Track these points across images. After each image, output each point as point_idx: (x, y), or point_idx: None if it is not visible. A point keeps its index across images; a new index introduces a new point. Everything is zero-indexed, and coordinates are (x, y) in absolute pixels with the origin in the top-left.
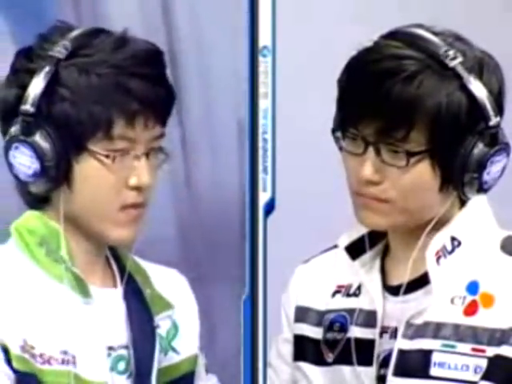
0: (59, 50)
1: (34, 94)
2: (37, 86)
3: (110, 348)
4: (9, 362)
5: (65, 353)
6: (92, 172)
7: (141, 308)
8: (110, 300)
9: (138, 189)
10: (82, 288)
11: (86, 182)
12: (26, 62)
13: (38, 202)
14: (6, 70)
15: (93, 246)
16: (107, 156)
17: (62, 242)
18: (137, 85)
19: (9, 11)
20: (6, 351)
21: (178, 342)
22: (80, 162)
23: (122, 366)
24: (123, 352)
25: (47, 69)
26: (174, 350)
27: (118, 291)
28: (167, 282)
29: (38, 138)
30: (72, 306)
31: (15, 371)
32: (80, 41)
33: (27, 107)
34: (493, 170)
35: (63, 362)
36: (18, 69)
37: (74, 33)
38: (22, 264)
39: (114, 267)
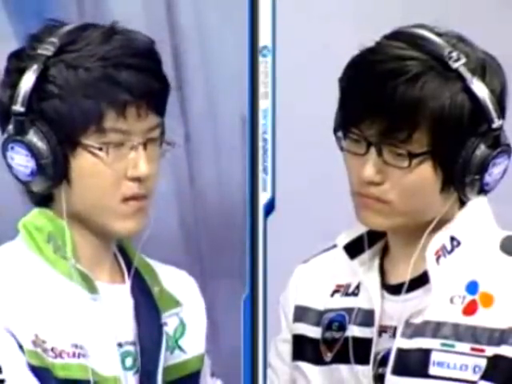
0: (47, 48)
1: (24, 93)
2: (26, 85)
3: (118, 344)
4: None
5: (76, 346)
6: (88, 166)
7: (148, 305)
8: (118, 296)
9: (137, 180)
10: (88, 284)
11: (84, 177)
12: (16, 63)
13: (42, 200)
14: None
15: (99, 242)
16: (100, 149)
17: (68, 238)
18: (125, 75)
19: (12, 12)
20: (20, 347)
21: (185, 341)
22: (76, 157)
23: (129, 361)
24: (130, 348)
25: (35, 67)
26: (180, 348)
27: (126, 287)
28: (176, 282)
29: (31, 137)
30: (80, 301)
31: (29, 366)
32: (68, 37)
33: (17, 107)
34: (494, 172)
35: (74, 355)
36: (9, 70)
37: (63, 29)
38: (31, 261)
39: (122, 263)
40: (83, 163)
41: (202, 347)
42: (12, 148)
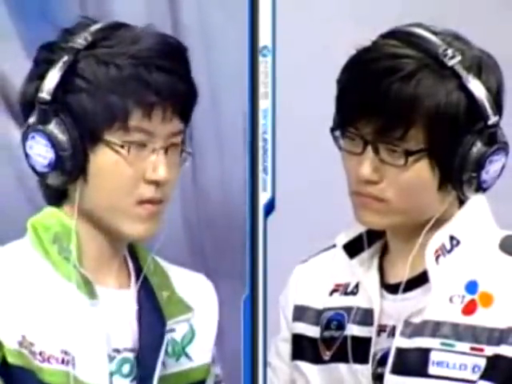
0: (79, 42)
1: (51, 83)
2: (54, 76)
3: (115, 350)
4: (3, 357)
5: (65, 353)
6: (108, 163)
7: (152, 311)
8: (121, 301)
9: (155, 183)
10: (88, 289)
11: (102, 174)
12: (46, 54)
13: (57, 196)
14: (13, 68)
15: (109, 244)
16: (122, 146)
17: (73, 240)
18: (155, 76)
19: (15, 11)
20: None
21: (193, 348)
22: (96, 153)
23: (126, 368)
24: (128, 355)
25: (65, 58)
26: (187, 355)
27: (131, 292)
28: (190, 286)
29: (54, 127)
30: (78, 306)
31: (10, 366)
32: (101, 33)
33: (43, 95)
34: (491, 169)
35: (63, 361)
36: (39, 60)
37: (96, 26)
38: (34, 260)
39: (131, 267)
40: (103, 160)
41: (209, 356)
42: (33, 137)
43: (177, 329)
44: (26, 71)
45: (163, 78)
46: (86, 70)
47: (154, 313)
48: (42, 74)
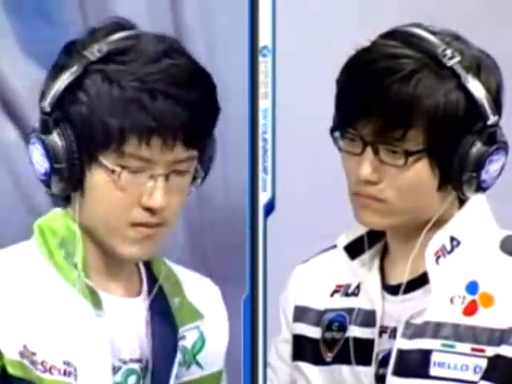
0: (93, 52)
1: (54, 93)
2: (59, 85)
3: (121, 361)
4: (2, 367)
5: (67, 364)
6: (101, 184)
7: (164, 319)
8: (130, 310)
9: (149, 209)
10: (94, 299)
11: (95, 193)
12: (64, 57)
13: (61, 201)
14: (10, 68)
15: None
16: (113, 171)
17: (79, 248)
18: (158, 103)
19: (12, 9)
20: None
21: (204, 356)
22: (91, 172)
23: (132, 380)
24: (135, 366)
25: (74, 69)
26: (197, 363)
27: (141, 300)
28: (199, 291)
29: (52, 138)
30: (83, 316)
31: (10, 376)
32: (119, 45)
33: (44, 105)
34: (491, 169)
35: (65, 373)
36: (57, 63)
37: (119, 34)
38: (39, 264)
39: (143, 274)
40: (97, 179)
41: (220, 364)
42: (33, 143)
43: (187, 336)
44: (23, 70)
45: (166, 105)
46: (90, 84)
47: (166, 321)
48: (54, 77)
